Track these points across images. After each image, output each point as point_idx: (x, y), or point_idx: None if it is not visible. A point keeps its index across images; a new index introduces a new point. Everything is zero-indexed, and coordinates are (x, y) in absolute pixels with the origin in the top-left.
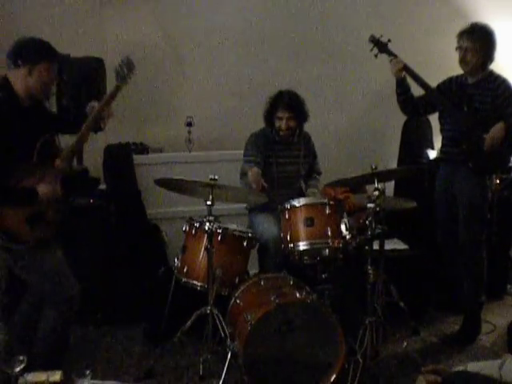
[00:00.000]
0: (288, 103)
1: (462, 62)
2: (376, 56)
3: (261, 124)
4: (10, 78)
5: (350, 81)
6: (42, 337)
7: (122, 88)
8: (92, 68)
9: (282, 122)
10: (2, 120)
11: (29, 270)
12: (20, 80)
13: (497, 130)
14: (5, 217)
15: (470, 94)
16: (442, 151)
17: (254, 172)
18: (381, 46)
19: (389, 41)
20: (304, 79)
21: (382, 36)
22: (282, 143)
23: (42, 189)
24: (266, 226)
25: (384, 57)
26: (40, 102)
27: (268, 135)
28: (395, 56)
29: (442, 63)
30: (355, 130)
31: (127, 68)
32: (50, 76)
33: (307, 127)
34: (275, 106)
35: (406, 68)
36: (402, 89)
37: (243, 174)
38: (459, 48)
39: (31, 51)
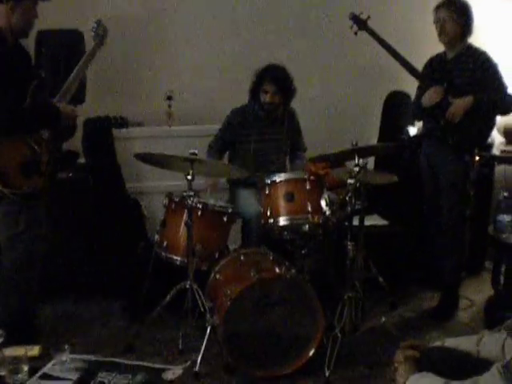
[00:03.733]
0: (275, 77)
1: (442, 33)
2: (356, 34)
3: (243, 99)
4: None
5: (333, 56)
6: None
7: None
8: (71, 41)
9: (267, 96)
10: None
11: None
12: (2, 16)
13: (462, 101)
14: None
15: (450, 69)
16: (424, 127)
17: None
18: (360, 23)
19: (368, 17)
20: (287, 53)
21: (361, 13)
22: (264, 119)
23: (64, 106)
24: (247, 201)
25: (366, 33)
26: (21, 44)
27: (249, 111)
28: (375, 34)
29: (422, 40)
30: (337, 106)
31: (102, 30)
32: (32, 14)
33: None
34: (262, 79)
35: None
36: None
37: (210, 146)
38: (437, 21)
39: None
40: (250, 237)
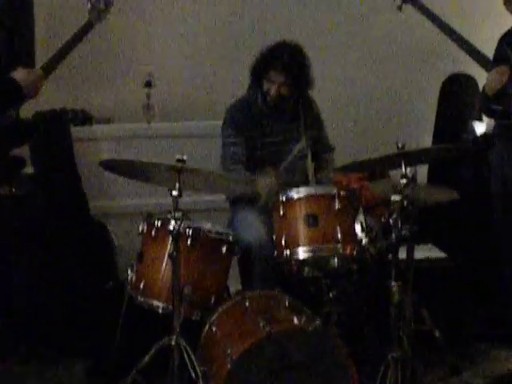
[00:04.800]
0: (286, 62)
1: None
2: (400, 8)
3: (245, 86)
4: None
5: (371, 36)
6: None
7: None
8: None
9: (273, 87)
10: None
11: None
12: None
13: None
14: None
15: None
16: (496, 123)
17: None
18: None
19: None
20: (308, 32)
21: None
22: (271, 114)
23: (17, 73)
24: (253, 225)
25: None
26: None
27: (250, 106)
28: (424, 8)
29: (475, 13)
30: (376, 98)
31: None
32: None
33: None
34: (269, 64)
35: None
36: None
37: (230, 164)
38: None
39: None
40: (256, 274)
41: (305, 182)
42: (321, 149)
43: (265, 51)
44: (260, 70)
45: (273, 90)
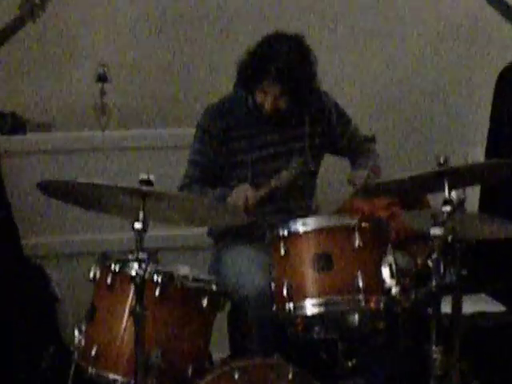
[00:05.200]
0: (282, 69)
1: None
2: None
3: (228, 84)
4: None
5: (400, 18)
6: None
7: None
8: None
9: (267, 100)
10: None
11: None
12: None
13: None
14: None
15: None
16: None
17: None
18: None
19: None
20: (317, 10)
21: None
22: (265, 118)
23: None
24: (244, 269)
25: None
26: None
27: (234, 109)
28: None
29: None
30: (408, 100)
31: None
32: None
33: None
34: (260, 72)
35: None
36: None
37: (186, 184)
38: None
39: None
40: (246, 336)
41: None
42: (353, 150)
43: (254, 52)
44: (249, 80)
45: (267, 104)
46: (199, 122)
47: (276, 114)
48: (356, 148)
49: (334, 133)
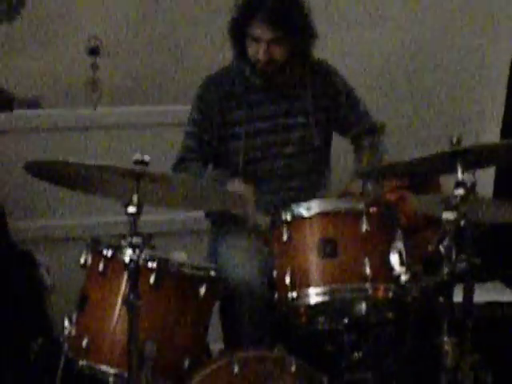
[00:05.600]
0: (272, 9)
1: None
2: None
3: (224, 60)
4: None
5: None
6: None
7: None
8: None
9: (260, 48)
10: None
11: None
12: None
13: None
14: None
15: None
16: None
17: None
18: None
19: None
20: None
21: None
22: (264, 90)
23: None
24: (242, 256)
25: None
26: None
27: (232, 79)
28: None
29: None
30: (420, 79)
31: None
32: None
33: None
34: (249, 15)
35: None
36: None
37: (180, 161)
38: None
39: None
40: (242, 326)
41: (314, 192)
42: (359, 131)
43: (242, 1)
44: (239, 27)
45: (261, 52)
46: (196, 92)
47: (272, 66)
48: (360, 133)
49: (340, 105)
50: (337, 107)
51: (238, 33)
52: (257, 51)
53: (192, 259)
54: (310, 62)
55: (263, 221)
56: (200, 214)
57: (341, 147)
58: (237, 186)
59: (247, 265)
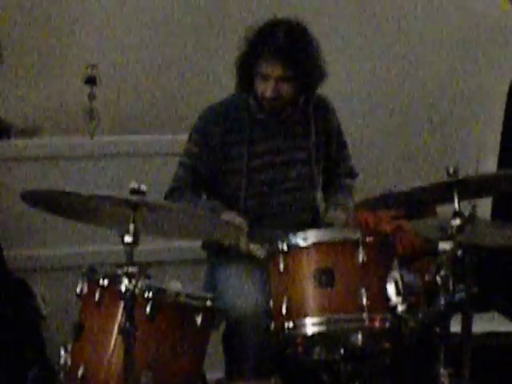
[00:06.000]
0: (284, 49)
1: None
2: None
3: (228, 87)
4: None
5: (407, 15)
6: None
7: None
8: None
9: (268, 85)
10: None
11: None
12: None
13: None
14: None
15: None
16: None
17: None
18: None
19: None
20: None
21: None
22: (268, 124)
23: None
24: (241, 285)
25: None
26: None
27: (236, 111)
28: None
29: None
30: (416, 105)
31: None
32: None
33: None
34: (258, 52)
35: None
36: None
37: (172, 191)
38: None
39: None
40: (244, 356)
41: (311, 224)
42: (339, 173)
43: (251, 35)
44: (247, 63)
45: (269, 90)
46: (196, 123)
47: (279, 103)
48: (340, 174)
49: (331, 143)
50: (328, 145)
51: (247, 68)
52: (265, 88)
53: (187, 289)
54: (314, 98)
55: (257, 251)
56: (196, 243)
57: None
58: (231, 215)
59: (249, 292)
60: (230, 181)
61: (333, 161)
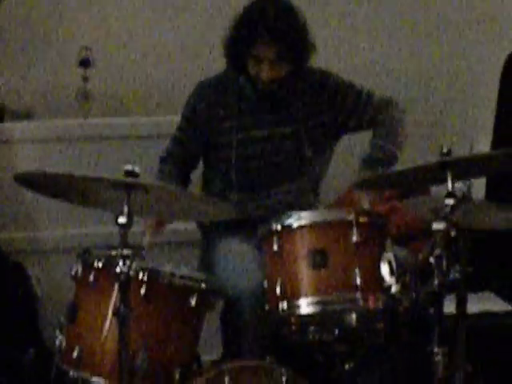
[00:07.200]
0: (274, 27)
1: None
2: None
3: (222, 69)
4: None
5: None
6: None
7: None
8: None
9: (263, 68)
10: None
11: None
12: None
13: None
14: None
15: None
16: None
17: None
18: None
19: None
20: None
21: None
22: (258, 99)
23: None
24: (237, 266)
25: None
26: None
27: (228, 86)
28: None
29: None
30: (409, 84)
31: None
32: None
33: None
34: (250, 35)
35: None
36: None
37: (159, 161)
38: None
39: None
40: (240, 337)
41: (307, 204)
42: (369, 118)
43: (240, 17)
44: (239, 46)
45: (264, 73)
46: (188, 99)
47: (273, 85)
48: (374, 117)
49: (342, 105)
50: (339, 109)
51: (239, 50)
52: (260, 70)
53: (183, 270)
54: (303, 71)
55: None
56: (189, 225)
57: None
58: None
59: (244, 269)
60: (220, 155)
61: (356, 116)
